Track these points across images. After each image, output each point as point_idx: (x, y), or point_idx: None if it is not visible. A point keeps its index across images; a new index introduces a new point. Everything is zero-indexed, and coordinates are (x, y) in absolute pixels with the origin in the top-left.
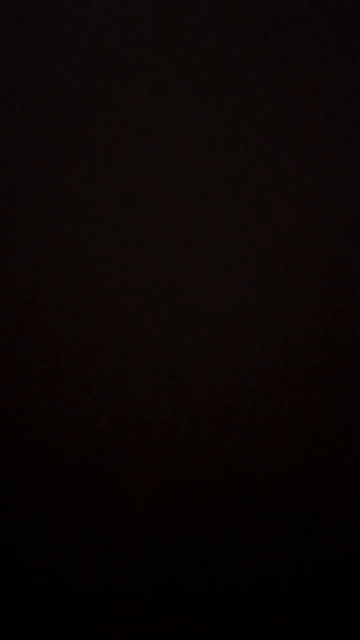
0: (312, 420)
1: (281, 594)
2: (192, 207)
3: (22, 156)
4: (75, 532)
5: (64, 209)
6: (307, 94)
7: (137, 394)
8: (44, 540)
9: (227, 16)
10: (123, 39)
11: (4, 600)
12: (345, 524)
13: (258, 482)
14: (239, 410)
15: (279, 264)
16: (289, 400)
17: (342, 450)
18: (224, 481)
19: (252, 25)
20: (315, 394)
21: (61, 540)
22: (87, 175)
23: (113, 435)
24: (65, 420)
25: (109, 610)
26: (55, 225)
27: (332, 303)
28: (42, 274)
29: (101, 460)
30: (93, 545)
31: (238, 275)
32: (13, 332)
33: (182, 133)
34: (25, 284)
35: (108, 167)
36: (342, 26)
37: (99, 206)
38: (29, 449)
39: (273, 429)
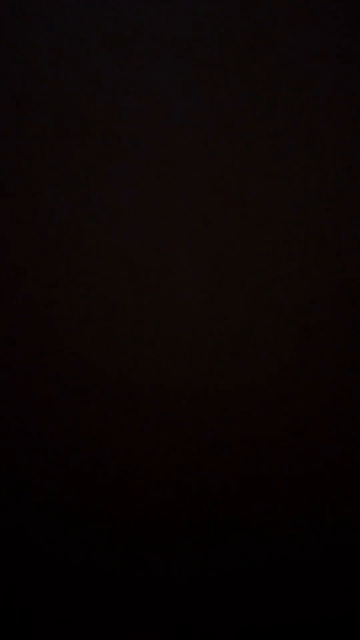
0: (313, 418)
1: (282, 594)
2: (192, 207)
3: (21, 155)
4: (76, 529)
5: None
6: (307, 94)
7: (139, 389)
8: (45, 536)
9: (224, 19)
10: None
11: (4, 598)
12: (346, 524)
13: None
14: (239, 409)
15: (279, 264)
16: (289, 401)
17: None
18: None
19: (251, 25)
20: (317, 395)
21: (61, 535)
22: (86, 173)
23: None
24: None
25: (109, 608)
26: (56, 225)
27: (332, 303)
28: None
29: (101, 461)
30: (93, 543)
31: (237, 274)
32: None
33: (181, 132)
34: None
35: (106, 166)
36: (342, 26)
37: (98, 206)
38: (30, 445)
39: (274, 429)
